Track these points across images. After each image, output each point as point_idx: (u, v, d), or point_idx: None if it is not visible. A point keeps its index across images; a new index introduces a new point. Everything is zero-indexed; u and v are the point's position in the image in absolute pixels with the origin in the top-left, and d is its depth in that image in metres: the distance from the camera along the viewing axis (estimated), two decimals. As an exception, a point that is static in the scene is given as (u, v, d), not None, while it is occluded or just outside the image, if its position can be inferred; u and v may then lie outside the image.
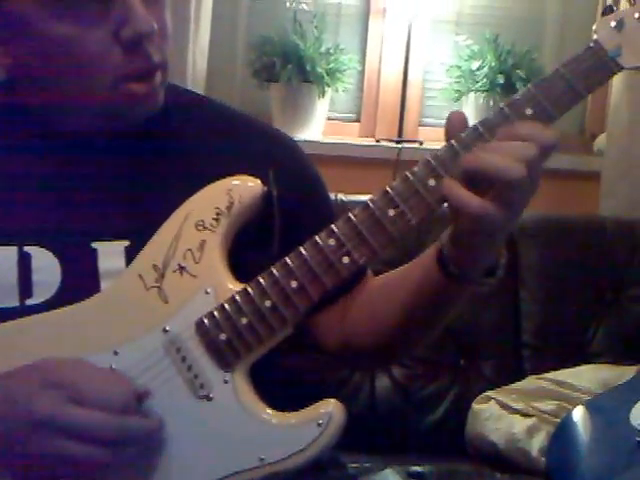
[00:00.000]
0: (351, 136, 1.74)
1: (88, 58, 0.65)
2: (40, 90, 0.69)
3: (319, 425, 0.64)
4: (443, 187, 0.62)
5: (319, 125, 1.65)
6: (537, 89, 0.64)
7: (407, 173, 0.65)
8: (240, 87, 1.72)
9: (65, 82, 0.67)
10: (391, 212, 0.64)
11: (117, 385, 0.63)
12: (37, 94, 0.69)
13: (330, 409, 0.65)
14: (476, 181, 0.60)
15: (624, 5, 0.65)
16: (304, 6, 1.68)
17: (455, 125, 0.63)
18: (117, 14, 0.64)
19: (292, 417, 0.65)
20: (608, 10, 0.64)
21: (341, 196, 1.31)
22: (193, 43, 1.56)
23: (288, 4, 1.68)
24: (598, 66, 0.64)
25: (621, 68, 0.64)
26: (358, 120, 1.76)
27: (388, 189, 0.65)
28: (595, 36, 0.64)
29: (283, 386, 0.74)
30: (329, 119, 1.71)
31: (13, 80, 0.69)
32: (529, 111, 0.63)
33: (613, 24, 0.64)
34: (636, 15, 0.63)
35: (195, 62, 1.57)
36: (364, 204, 0.65)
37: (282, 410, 0.66)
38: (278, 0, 1.74)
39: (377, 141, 1.70)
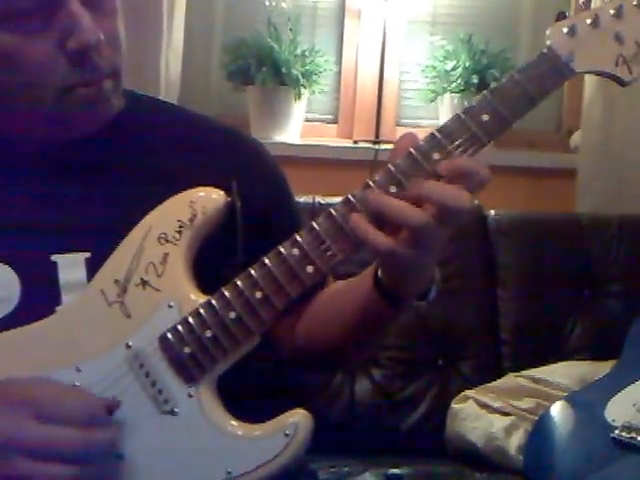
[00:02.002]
0: (329, 137, 1.74)
1: (34, 68, 0.64)
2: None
3: (286, 435, 0.64)
4: (351, 222, 0.62)
5: (296, 127, 1.65)
6: (493, 95, 0.64)
7: (369, 181, 0.65)
8: (216, 90, 1.72)
9: (12, 92, 0.66)
10: (353, 220, 0.64)
11: (80, 399, 0.62)
12: None
13: (297, 419, 0.64)
14: (384, 220, 0.61)
15: (577, 11, 0.66)
16: (283, 4, 1.67)
17: (405, 147, 0.64)
18: (62, 25, 0.63)
19: (259, 429, 0.65)
20: (561, 16, 0.65)
21: (319, 198, 1.31)
22: (166, 47, 1.55)
23: (267, 2, 1.67)
24: (552, 72, 0.65)
25: (574, 73, 0.65)
26: (336, 122, 1.75)
27: (350, 197, 0.65)
28: (549, 42, 0.65)
29: (260, 394, 0.73)
30: (307, 121, 1.71)
31: None
32: (485, 117, 0.64)
33: (565, 30, 0.65)
34: (588, 21, 0.64)
35: (169, 66, 1.55)
36: (327, 212, 0.65)
37: (259, 421, 0.65)
38: (253, 2, 1.73)
39: (355, 142, 1.70)
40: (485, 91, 0.65)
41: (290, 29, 1.61)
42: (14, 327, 0.67)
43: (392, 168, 0.64)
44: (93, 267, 0.68)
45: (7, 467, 0.58)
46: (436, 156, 0.64)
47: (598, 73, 0.66)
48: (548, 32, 0.65)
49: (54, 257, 0.69)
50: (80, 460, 0.60)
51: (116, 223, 0.68)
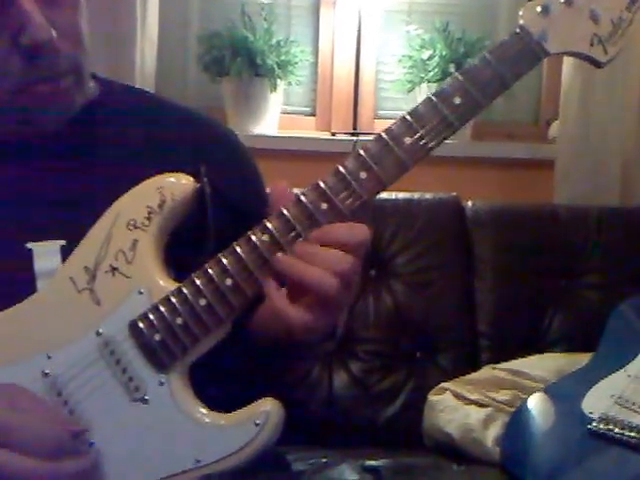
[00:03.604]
0: (307, 129, 1.73)
1: None
2: None
3: (256, 425, 0.63)
4: (271, 297, 0.62)
5: (273, 119, 1.64)
6: (464, 77, 0.63)
7: (339, 167, 0.64)
8: (192, 82, 1.70)
9: None
10: (324, 206, 0.64)
11: (51, 427, 0.61)
12: None
13: (268, 408, 0.64)
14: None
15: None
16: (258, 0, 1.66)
17: (280, 197, 0.64)
18: (13, 22, 0.62)
19: (229, 417, 0.64)
20: (535, -5, 0.64)
21: (296, 190, 1.30)
22: (141, 38, 1.53)
23: (242, -1, 1.66)
24: (525, 52, 0.64)
25: (547, 54, 0.64)
26: (314, 114, 1.74)
27: (320, 183, 0.64)
28: (521, 21, 0.64)
29: (237, 385, 0.73)
30: (285, 113, 1.69)
31: None
32: (457, 100, 0.63)
33: (539, 9, 0.63)
34: (561, 0, 0.63)
35: (144, 58, 1.53)
36: (296, 198, 0.65)
37: (231, 410, 0.64)
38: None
39: (333, 134, 1.69)
40: (456, 73, 0.64)
41: (265, 18, 1.60)
42: None
43: (362, 152, 0.64)
44: (68, 255, 0.67)
45: None
46: (407, 140, 0.63)
47: (573, 54, 0.65)
48: (521, 11, 0.64)
49: (29, 245, 0.68)
50: None
51: (91, 211, 0.67)
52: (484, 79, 0.63)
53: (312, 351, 0.69)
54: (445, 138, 0.64)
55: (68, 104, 0.68)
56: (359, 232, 0.62)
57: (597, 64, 0.64)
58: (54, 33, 0.63)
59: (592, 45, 0.63)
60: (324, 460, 1.17)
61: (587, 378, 1.10)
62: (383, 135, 0.63)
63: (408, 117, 0.63)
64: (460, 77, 0.63)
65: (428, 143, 0.63)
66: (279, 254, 0.62)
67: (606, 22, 0.63)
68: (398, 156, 0.63)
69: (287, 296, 0.62)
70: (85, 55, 0.68)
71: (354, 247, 0.62)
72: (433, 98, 0.63)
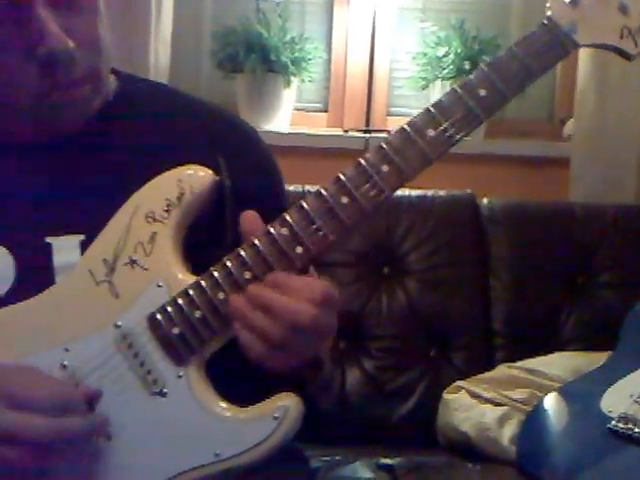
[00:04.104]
0: (319, 126, 1.72)
1: (6, 76, 0.64)
2: None
3: (275, 419, 0.63)
4: (235, 329, 0.62)
5: (286, 116, 1.63)
6: (490, 69, 0.63)
7: (360, 160, 0.63)
8: (206, 79, 1.70)
9: None
10: (344, 199, 0.63)
11: (57, 388, 0.61)
12: None
13: (286, 402, 0.63)
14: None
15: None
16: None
17: (251, 226, 0.63)
18: (30, 32, 0.63)
19: (248, 411, 0.64)
20: (562, -15, 0.63)
21: (309, 187, 1.30)
22: (155, 35, 1.53)
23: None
24: (553, 44, 0.63)
25: (576, 45, 0.63)
26: (326, 110, 1.74)
27: (341, 176, 0.63)
28: (549, 12, 0.63)
29: (250, 381, 0.72)
30: (297, 109, 1.69)
31: None
32: (483, 92, 0.63)
33: (567, 0, 0.62)
34: None
35: (157, 55, 1.53)
36: (316, 192, 0.64)
37: (249, 404, 0.64)
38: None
39: (345, 131, 1.68)
40: (482, 64, 0.63)
41: (279, 15, 1.60)
42: None
43: (384, 145, 0.63)
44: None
45: None
46: (430, 132, 0.63)
47: (602, 46, 0.64)
48: (548, 3, 0.63)
49: (49, 239, 0.68)
50: (51, 447, 0.59)
51: (110, 205, 0.67)
52: (510, 71, 0.62)
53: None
54: (470, 131, 0.63)
55: (84, 111, 0.69)
56: (316, 290, 0.61)
57: (627, 56, 0.63)
58: (71, 43, 0.63)
59: (622, 37, 0.62)
60: (337, 458, 1.16)
61: (605, 377, 1.09)
62: (406, 127, 0.62)
63: (432, 109, 0.62)
64: (486, 69, 0.63)
65: (452, 135, 0.62)
66: (233, 296, 0.62)
67: (635, 14, 0.62)
68: (421, 148, 0.62)
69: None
70: (104, 60, 0.68)
71: (315, 301, 0.61)
72: (458, 90, 0.62)
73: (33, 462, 0.58)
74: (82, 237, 0.68)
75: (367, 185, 0.63)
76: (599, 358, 1.18)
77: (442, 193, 1.42)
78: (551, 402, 1.10)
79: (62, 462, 0.59)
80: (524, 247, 1.39)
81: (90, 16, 0.66)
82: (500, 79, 0.62)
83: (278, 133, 1.59)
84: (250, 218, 0.64)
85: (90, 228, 0.68)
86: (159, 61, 1.54)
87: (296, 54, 1.58)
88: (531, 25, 0.64)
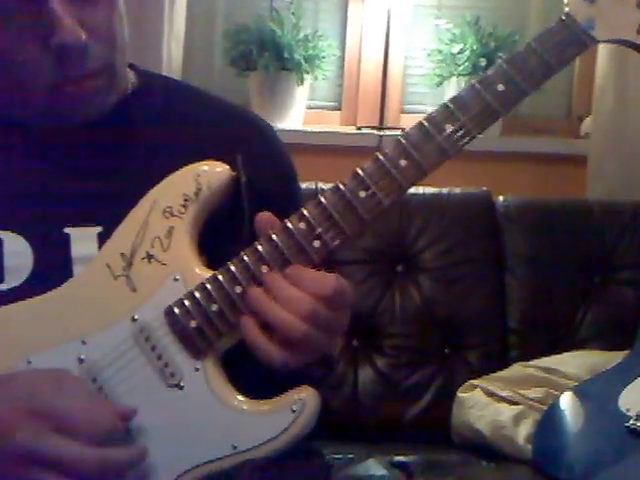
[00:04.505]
0: (332, 124, 1.73)
1: (21, 67, 0.64)
2: None
3: (293, 411, 0.62)
4: (242, 325, 0.62)
5: (299, 113, 1.64)
6: (509, 65, 0.63)
7: (378, 154, 0.63)
8: (219, 77, 1.71)
9: (6, 89, 0.67)
10: (362, 194, 0.63)
11: (100, 412, 0.61)
12: None
13: (304, 395, 0.63)
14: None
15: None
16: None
17: (265, 225, 0.63)
18: (45, 24, 0.63)
19: (265, 404, 0.64)
20: (580, -19, 0.63)
21: (322, 185, 1.30)
22: (168, 32, 1.53)
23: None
24: (571, 39, 0.63)
25: (595, 41, 0.63)
26: (339, 108, 1.74)
27: (359, 171, 0.63)
28: (567, 9, 0.63)
29: (264, 378, 0.72)
30: (310, 107, 1.69)
31: None
32: (501, 87, 0.62)
33: (586, -4, 0.62)
34: None
35: (170, 52, 1.54)
36: (334, 186, 0.64)
37: (266, 397, 0.64)
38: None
39: (358, 129, 1.68)
40: (500, 60, 0.63)
41: (292, 13, 1.60)
42: (25, 297, 0.67)
43: (402, 140, 0.63)
44: (104, 241, 0.68)
45: (24, 477, 0.58)
46: (448, 127, 0.62)
47: (620, 42, 0.64)
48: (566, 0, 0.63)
49: (67, 230, 0.69)
50: (95, 476, 0.59)
51: (128, 198, 0.68)
52: (529, 66, 0.62)
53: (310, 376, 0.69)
54: (488, 125, 0.63)
55: (99, 103, 0.69)
56: (326, 285, 0.61)
57: (644, 52, 0.63)
58: (84, 35, 0.63)
59: (639, 33, 0.62)
60: (350, 455, 1.16)
61: (622, 376, 1.08)
62: (424, 122, 0.62)
63: (450, 104, 0.62)
64: (504, 65, 0.63)
65: (470, 130, 0.62)
66: (252, 288, 0.62)
67: (653, 11, 0.62)
68: (439, 143, 0.62)
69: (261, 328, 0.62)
70: (120, 54, 0.68)
71: (324, 298, 0.61)
72: (476, 85, 0.62)
73: None
74: (99, 229, 0.69)
75: (385, 180, 0.63)
76: (616, 357, 1.17)
77: (457, 191, 1.41)
78: (567, 401, 1.10)
79: None
80: (540, 245, 1.39)
81: (106, 9, 0.66)
82: (518, 74, 0.62)
83: (291, 131, 1.59)
84: (265, 218, 0.64)
85: (107, 220, 0.68)
86: (172, 59, 1.55)
87: (309, 52, 1.58)
88: (548, 22, 0.64)
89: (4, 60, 0.64)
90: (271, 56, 1.55)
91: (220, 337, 0.64)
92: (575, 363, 1.23)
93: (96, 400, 0.63)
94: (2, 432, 0.58)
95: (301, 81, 1.59)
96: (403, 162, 0.63)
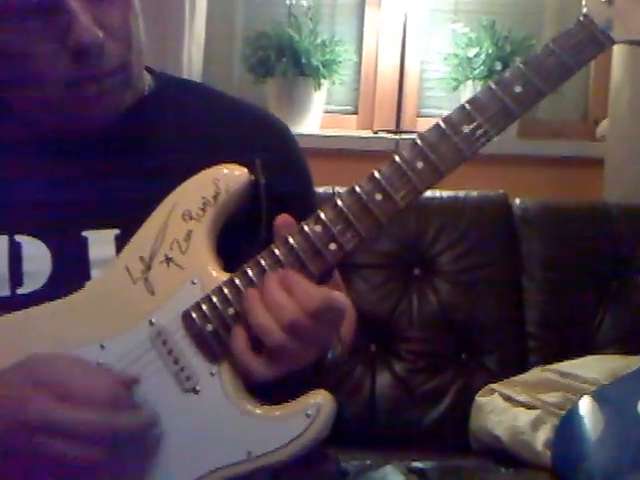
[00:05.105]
0: (349, 128, 1.73)
1: (38, 66, 0.65)
2: (8, 94, 0.70)
3: (307, 416, 0.62)
4: (231, 341, 0.62)
5: (316, 118, 1.64)
6: (526, 66, 0.63)
7: (395, 156, 0.63)
8: (237, 82, 1.72)
9: (24, 89, 0.68)
10: (378, 196, 0.63)
11: (104, 379, 0.62)
12: (11, 97, 0.70)
13: (319, 400, 0.63)
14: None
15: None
16: (303, 1, 1.67)
17: (283, 228, 0.63)
18: (61, 23, 0.64)
19: (280, 409, 0.64)
20: (598, -16, 0.63)
21: (339, 189, 1.30)
22: (189, 38, 1.55)
23: (287, 1, 1.67)
24: (589, 40, 0.63)
25: (612, 42, 0.63)
26: (356, 112, 1.74)
27: (375, 173, 0.63)
28: (585, 10, 0.63)
29: (280, 383, 0.72)
30: (327, 112, 1.70)
31: None
32: (518, 88, 0.62)
33: (603, -2, 0.62)
34: None
35: (191, 57, 1.56)
36: (351, 189, 0.64)
37: (280, 402, 0.64)
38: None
39: (375, 133, 1.68)
40: (518, 62, 0.63)
41: (310, 18, 1.61)
42: (44, 301, 0.67)
43: (419, 141, 0.63)
44: (122, 244, 0.68)
45: (38, 447, 0.59)
46: (465, 129, 0.62)
47: (637, 42, 0.64)
48: (584, 1, 0.63)
49: (85, 233, 0.69)
50: (108, 441, 0.59)
51: (145, 201, 0.68)
52: (546, 67, 0.62)
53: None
54: (505, 127, 0.62)
55: (114, 103, 0.69)
56: (314, 299, 0.60)
57: (661, 54, 0.63)
58: (100, 34, 0.64)
59: (657, 34, 0.62)
60: (368, 462, 1.15)
61: (642, 380, 1.07)
62: (441, 123, 0.62)
63: (467, 105, 0.62)
64: (521, 66, 0.62)
65: (487, 131, 0.62)
66: (250, 289, 0.62)
67: (671, 11, 0.61)
68: (456, 144, 0.62)
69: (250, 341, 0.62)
70: (135, 53, 0.69)
71: (309, 312, 0.60)
72: (493, 86, 0.62)
73: (86, 458, 0.59)
74: (117, 231, 0.69)
75: (402, 182, 0.63)
76: (636, 361, 1.15)
77: (474, 194, 1.41)
78: (586, 406, 1.08)
79: (114, 458, 0.60)
80: (558, 248, 1.37)
81: (122, 9, 0.67)
82: (536, 75, 0.62)
83: (308, 135, 1.60)
84: (284, 221, 0.64)
85: (125, 222, 0.68)
86: (192, 65, 1.57)
87: (327, 57, 1.59)
88: (564, 25, 0.64)
89: (22, 59, 0.65)
90: (289, 62, 1.56)
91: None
92: (594, 367, 1.22)
93: (95, 370, 0.63)
94: (14, 406, 0.59)
95: (318, 86, 1.60)
96: (420, 164, 0.62)
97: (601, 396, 1.09)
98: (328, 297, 0.60)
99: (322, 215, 0.63)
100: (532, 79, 0.62)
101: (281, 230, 0.64)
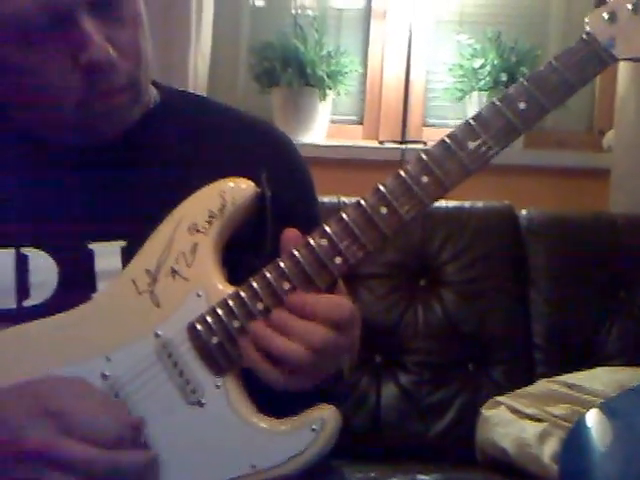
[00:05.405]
0: (354, 138, 1.73)
1: (51, 84, 0.66)
2: (18, 110, 0.71)
3: (313, 430, 0.62)
4: (242, 349, 0.63)
5: (322, 128, 1.65)
6: (530, 83, 0.63)
7: (399, 171, 0.64)
8: (243, 92, 1.73)
9: (35, 105, 0.68)
10: (383, 210, 0.63)
11: (111, 415, 0.62)
12: (17, 113, 0.71)
13: (324, 414, 0.63)
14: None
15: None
16: (309, 12, 1.68)
17: (290, 242, 0.64)
18: (74, 41, 0.64)
19: (285, 423, 0.64)
20: (601, 1, 0.64)
21: (344, 199, 1.31)
22: (195, 49, 1.56)
23: (293, 3, 1.69)
24: (591, 58, 0.63)
25: (615, 60, 0.64)
26: (361, 122, 1.75)
27: (380, 187, 0.64)
28: (588, 28, 0.64)
29: (287, 395, 0.72)
30: (332, 122, 1.70)
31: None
32: (522, 105, 0.63)
33: (606, 16, 0.64)
34: (629, 6, 0.63)
35: (197, 68, 1.57)
36: (356, 202, 0.64)
37: (287, 415, 0.64)
38: (280, 5, 1.74)
39: (380, 143, 1.69)
40: (521, 79, 0.64)
41: (316, 30, 1.62)
42: (51, 314, 0.68)
43: (424, 156, 0.63)
44: (128, 256, 0.69)
45: (30, 475, 0.59)
46: (470, 144, 0.63)
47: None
48: (587, 18, 0.64)
49: (91, 245, 0.70)
50: (107, 478, 0.59)
51: (151, 213, 0.68)
52: (550, 83, 0.63)
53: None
54: (509, 142, 0.63)
55: (125, 118, 0.70)
56: (338, 308, 0.62)
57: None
58: (112, 51, 0.65)
59: (659, 52, 0.63)
60: (373, 474, 1.15)
61: (651, 392, 1.06)
62: (446, 139, 0.63)
63: (472, 121, 0.63)
64: (525, 83, 0.63)
65: (492, 147, 0.63)
66: (253, 323, 0.63)
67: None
68: (461, 160, 0.62)
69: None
70: (144, 69, 0.70)
71: (334, 323, 0.61)
72: (497, 103, 0.63)
73: None
74: (123, 243, 0.69)
75: (407, 196, 0.63)
76: (643, 373, 1.15)
77: (480, 204, 1.41)
78: (594, 418, 1.07)
79: None
80: (564, 259, 1.37)
81: (132, 26, 0.68)
82: (539, 91, 0.63)
83: (314, 145, 1.61)
84: (291, 235, 0.64)
85: (131, 235, 0.69)
86: (198, 75, 1.58)
87: (332, 68, 1.59)
88: (570, 37, 0.65)
89: (34, 78, 0.65)
90: (294, 72, 1.57)
91: (241, 354, 0.64)
92: (601, 379, 1.21)
93: (106, 405, 0.63)
94: (15, 432, 0.59)
95: (324, 97, 1.61)
96: (425, 178, 0.63)
97: (609, 408, 1.08)
98: (350, 305, 0.61)
99: (328, 229, 0.64)
100: (536, 95, 0.63)
101: (288, 244, 0.64)
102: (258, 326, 0.63)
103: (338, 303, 0.62)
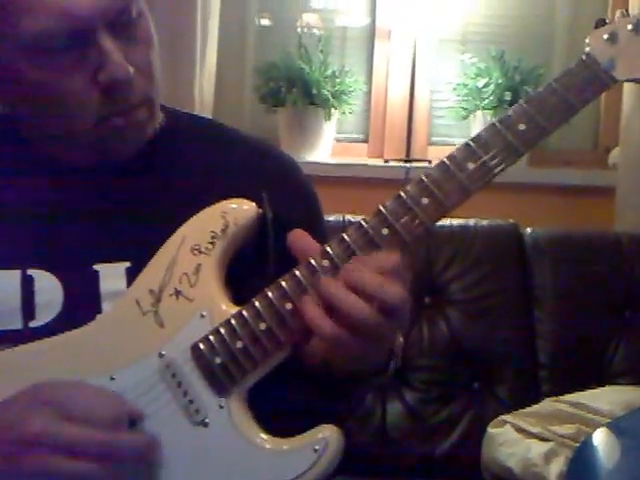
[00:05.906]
0: (359, 157, 1.74)
1: (69, 101, 0.67)
2: (33, 127, 0.72)
3: (315, 451, 0.62)
4: (301, 304, 0.62)
5: (327, 147, 1.66)
6: (529, 104, 0.63)
7: (400, 192, 0.64)
8: (248, 113, 1.75)
9: (52, 123, 0.69)
10: (384, 231, 0.64)
11: (108, 401, 0.63)
12: (31, 131, 0.72)
13: (327, 434, 0.63)
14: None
15: (618, 17, 0.64)
16: (314, 31, 1.70)
17: (301, 245, 0.64)
18: (94, 60, 0.66)
19: (288, 443, 0.64)
20: (601, 23, 0.64)
21: (349, 217, 1.31)
22: (200, 70, 1.58)
23: (298, 23, 1.71)
24: (591, 79, 0.63)
25: (615, 81, 0.63)
26: (366, 141, 1.76)
27: (381, 208, 0.64)
28: (588, 49, 0.64)
29: (292, 412, 0.72)
30: (337, 141, 1.72)
31: (12, 116, 0.73)
32: (522, 126, 0.63)
33: (606, 37, 0.63)
34: (629, 27, 0.63)
35: (202, 89, 1.59)
36: (357, 224, 0.65)
37: (290, 435, 0.64)
38: (285, 26, 1.76)
39: (385, 161, 1.70)
40: (521, 100, 0.64)
41: (321, 50, 1.63)
42: (56, 333, 0.68)
43: (424, 178, 0.63)
44: (133, 277, 0.69)
45: (34, 461, 0.60)
46: (470, 166, 0.63)
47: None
48: (587, 39, 0.64)
49: (96, 266, 0.70)
50: (101, 459, 0.60)
51: (156, 234, 0.69)
52: (550, 105, 0.63)
53: (363, 385, 0.68)
54: (509, 164, 0.63)
55: (141, 135, 0.71)
56: (389, 257, 0.62)
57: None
58: (131, 69, 0.66)
59: (659, 73, 0.63)
60: (378, 492, 1.15)
61: (658, 412, 1.05)
62: (445, 161, 0.63)
63: (471, 143, 0.63)
64: (524, 104, 0.63)
65: (492, 168, 0.63)
66: (324, 278, 0.62)
67: (673, 50, 0.62)
68: (460, 181, 0.63)
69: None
70: (157, 87, 0.71)
71: (390, 272, 0.61)
72: (497, 124, 0.63)
73: (82, 473, 0.59)
74: (128, 264, 0.70)
75: (407, 217, 0.63)
76: (650, 393, 1.14)
77: (485, 223, 1.41)
78: (601, 438, 1.06)
79: (109, 478, 0.60)
80: (569, 278, 1.37)
81: (146, 45, 0.69)
82: (539, 113, 0.63)
83: (320, 164, 1.62)
84: (299, 236, 0.64)
85: (136, 255, 0.69)
86: (204, 96, 1.59)
87: (337, 87, 1.61)
88: (574, 55, 0.65)
89: (53, 95, 0.66)
90: (299, 92, 1.59)
91: (245, 374, 0.65)
92: (607, 399, 1.20)
93: (97, 391, 0.64)
94: (15, 418, 0.60)
95: (329, 116, 1.62)
96: (425, 200, 0.63)
97: (616, 428, 1.07)
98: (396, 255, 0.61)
99: (329, 250, 0.64)
100: (535, 117, 0.63)
101: (296, 244, 0.64)
102: (327, 280, 0.62)
103: (387, 254, 0.61)
